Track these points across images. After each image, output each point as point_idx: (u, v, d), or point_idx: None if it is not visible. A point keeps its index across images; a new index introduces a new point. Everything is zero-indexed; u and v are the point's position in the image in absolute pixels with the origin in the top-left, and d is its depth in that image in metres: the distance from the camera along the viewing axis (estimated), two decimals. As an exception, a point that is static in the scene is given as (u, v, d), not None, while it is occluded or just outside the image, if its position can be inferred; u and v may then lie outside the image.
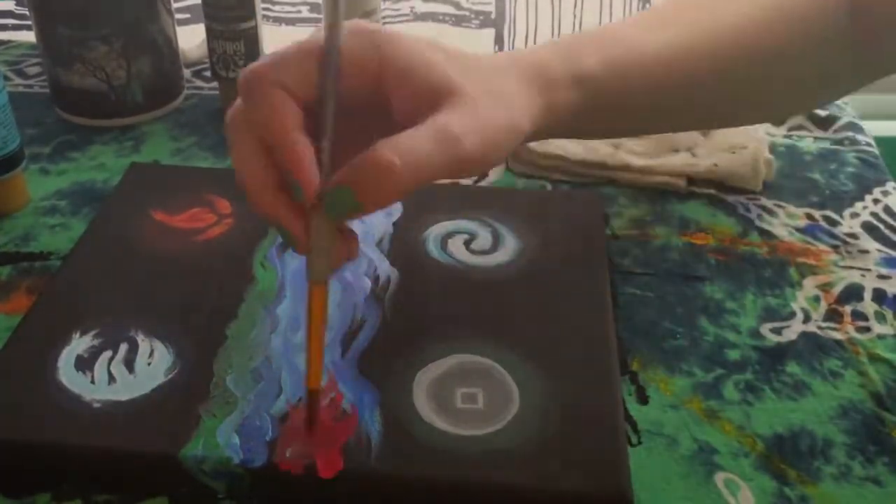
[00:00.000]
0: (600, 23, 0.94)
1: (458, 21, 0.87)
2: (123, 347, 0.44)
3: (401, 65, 0.38)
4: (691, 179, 0.60)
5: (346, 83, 0.37)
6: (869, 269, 0.53)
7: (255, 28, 0.65)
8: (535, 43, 0.94)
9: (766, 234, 0.56)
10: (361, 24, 0.38)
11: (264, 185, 0.37)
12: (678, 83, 0.48)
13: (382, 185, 0.35)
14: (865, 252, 0.55)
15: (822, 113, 0.68)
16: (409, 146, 0.35)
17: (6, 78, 0.74)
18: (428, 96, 0.38)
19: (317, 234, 0.37)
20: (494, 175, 0.62)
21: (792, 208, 0.59)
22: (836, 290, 0.52)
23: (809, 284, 0.52)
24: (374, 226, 0.52)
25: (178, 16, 0.70)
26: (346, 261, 0.39)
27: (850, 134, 0.67)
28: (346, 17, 0.64)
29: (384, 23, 0.79)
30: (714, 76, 0.49)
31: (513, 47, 0.92)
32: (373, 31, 0.38)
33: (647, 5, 0.94)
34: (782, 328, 0.49)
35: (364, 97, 0.39)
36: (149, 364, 0.43)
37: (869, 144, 0.66)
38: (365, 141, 0.37)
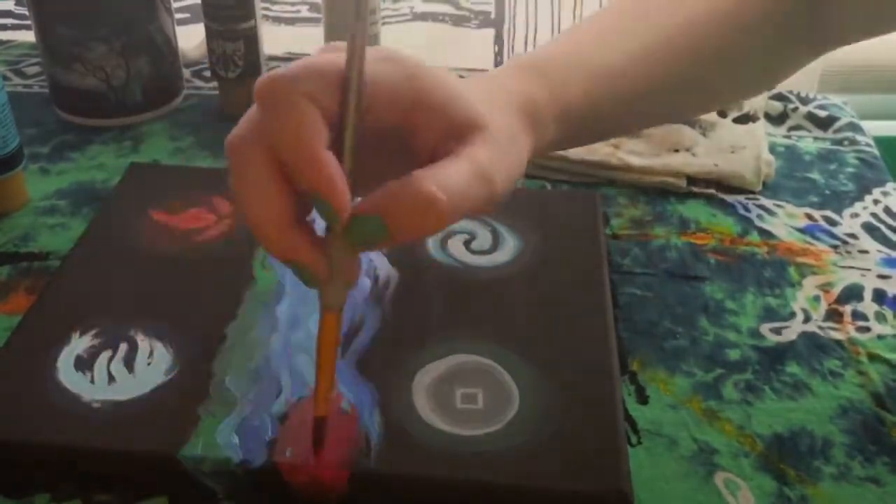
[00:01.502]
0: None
1: (458, 21, 0.87)
2: (123, 347, 0.44)
3: (436, 98, 0.36)
4: (691, 179, 0.60)
5: (377, 112, 0.34)
6: (869, 269, 0.53)
7: (255, 28, 0.65)
8: (534, 43, 0.94)
9: (766, 234, 0.56)
10: (391, 52, 0.36)
11: (283, 220, 0.33)
12: (640, 93, 0.47)
13: (423, 218, 0.32)
14: (865, 252, 0.55)
15: (821, 113, 0.68)
16: (455, 181, 0.33)
17: (6, 78, 0.74)
18: (458, 129, 0.36)
19: (333, 261, 0.34)
20: (494, 175, 0.62)
21: (792, 208, 0.59)
22: (836, 290, 0.52)
23: (809, 284, 0.52)
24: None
25: (177, 16, 0.70)
26: (355, 282, 0.36)
27: (850, 134, 0.67)
28: (346, 17, 0.64)
29: (383, 23, 0.79)
30: (683, 70, 0.48)
31: (512, 47, 0.92)
32: (404, 60, 0.36)
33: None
34: (782, 328, 0.49)
35: (389, 126, 0.36)
36: (148, 364, 0.43)
37: (869, 145, 0.66)
38: (376, 167, 0.35)
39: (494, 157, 0.36)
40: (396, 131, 0.37)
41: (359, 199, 0.34)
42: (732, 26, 0.49)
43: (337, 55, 0.34)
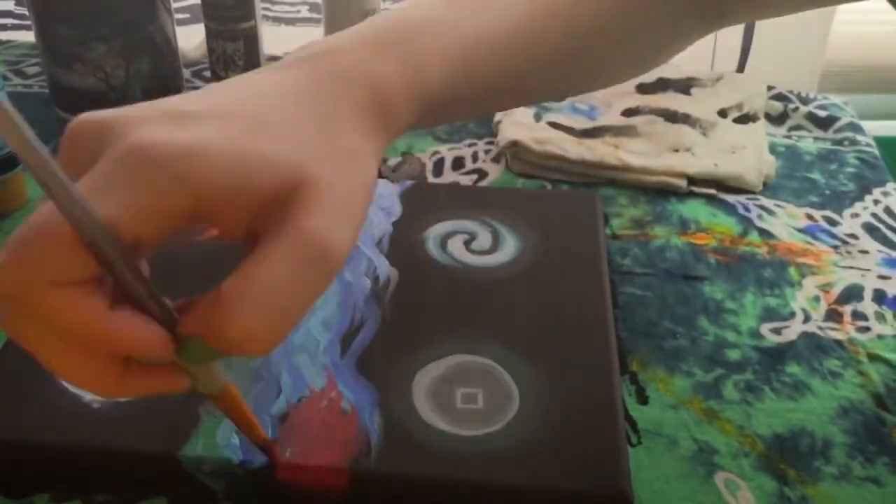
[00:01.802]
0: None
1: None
2: (123, 347, 0.44)
3: (221, 186, 0.28)
4: (691, 179, 0.60)
5: (154, 237, 0.29)
6: (869, 270, 0.53)
7: (255, 28, 0.65)
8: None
9: (766, 234, 0.56)
10: (157, 149, 0.28)
11: (116, 379, 0.29)
12: (509, 70, 0.42)
13: (245, 349, 0.28)
14: (865, 252, 0.55)
15: (822, 113, 0.68)
16: (269, 293, 0.27)
17: (6, 78, 0.74)
18: (269, 202, 0.28)
19: (192, 371, 0.31)
20: (494, 175, 0.62)
21: (792, 208, 0.59)
22: (836, 290, 0.52)
23: (809, 284, 0.52)
24: (374, 226, 0.52)
25: (177, 16, 0.70)
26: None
27: (850, 134, 0.67)
28: (345, 17, 0.64)
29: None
30: (559, 45, 0.43)
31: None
32: (170, 160, 0.27)
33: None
34: (782, 328, 0.49)
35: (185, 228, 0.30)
36: (148, 364, 0.43)
37: (869, 145, 0.66)
38: None
39: (328, 217, 0.28)
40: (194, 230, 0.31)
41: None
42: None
43: (40, 215, 0.27)
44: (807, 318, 0.49)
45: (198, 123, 0.29)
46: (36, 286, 0.26)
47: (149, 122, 0.29)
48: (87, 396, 0.41)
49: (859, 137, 0.66)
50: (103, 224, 0.26)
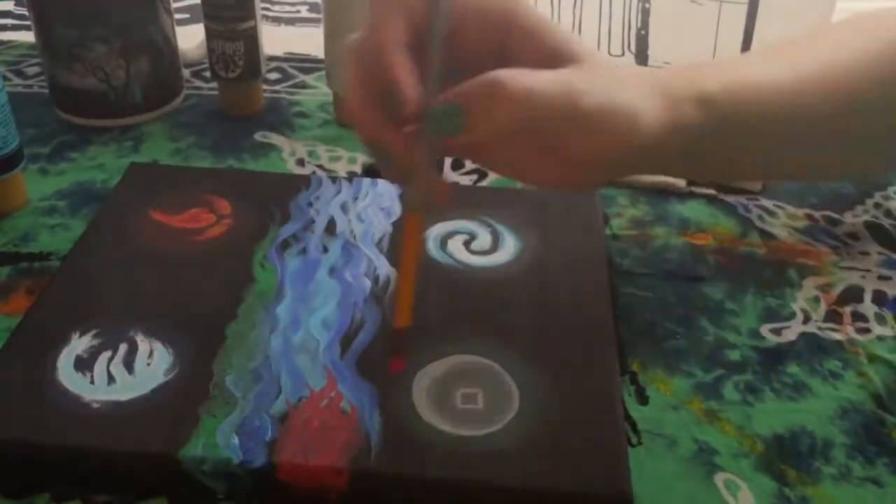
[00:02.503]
0: (600, 23, 0.94)
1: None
2: (123, 348, 0.44)
3: (527, 22, 0.38)
4: (691, 180, 0.60)
5: (471, 33, 0.37)
6: (869, 271, 0.53)
7: (255, 28, 0.65)
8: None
9: (766, 235, 0.56)
10: None
11: (367, 101, 0.37)
12: (799, 113, 0.45)
13: (498, 106, 0.34)
14: (866, 254, 0.55)
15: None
16: (532, 77, 0.35)
17: (5, 78, 0.74)
18: (553, 58, 0.38)
19: (415, 161, 0.36)
20: (494, 175, 0.62)
21: (792, 209, 0.59)
22: (836, 291, 0.52)
23: (809, 285, 0.52)
24: (373, 226, 0.52)
25: (177, 16, 0.70)
26: (444, 205, 0.39)
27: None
28: (346, 17, 0.64)
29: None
30: (833, 109, 0.46)
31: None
32: None
33: (647, 5, 0.94)
34: (782, 329, 0.49)
35: (484, 48, 0.38)
36: (148, 364, 0.43)
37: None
38: None
39: (585, 77, 0.37)
40: (492, 56, 0.38)
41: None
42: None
43: None
44: (807, 319, 0.49)
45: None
46: (383, 7, 0.37)
47: None
48: (87, 397, 0.41)
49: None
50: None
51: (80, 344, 0.44)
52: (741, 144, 0.45)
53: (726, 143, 0.44)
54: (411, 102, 0.35)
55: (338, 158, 0.64)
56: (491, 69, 0.37)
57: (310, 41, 0.81)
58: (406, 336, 0.39)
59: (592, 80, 0.37)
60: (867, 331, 0.49)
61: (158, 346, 0.44)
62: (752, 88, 0.44)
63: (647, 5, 0.93)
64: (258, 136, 0.66)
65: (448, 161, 0.63)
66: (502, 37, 0.38)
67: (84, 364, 0.43)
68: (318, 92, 0.72)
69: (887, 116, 0.47)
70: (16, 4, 0.88)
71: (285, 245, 0.51)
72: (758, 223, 0.57)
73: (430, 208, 0.38)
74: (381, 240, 0.51)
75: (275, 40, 0.79)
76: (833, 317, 0.50)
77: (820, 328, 0.49)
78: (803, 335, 0.48)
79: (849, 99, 0.46)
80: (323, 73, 0.73)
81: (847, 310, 0.50)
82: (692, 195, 0.60)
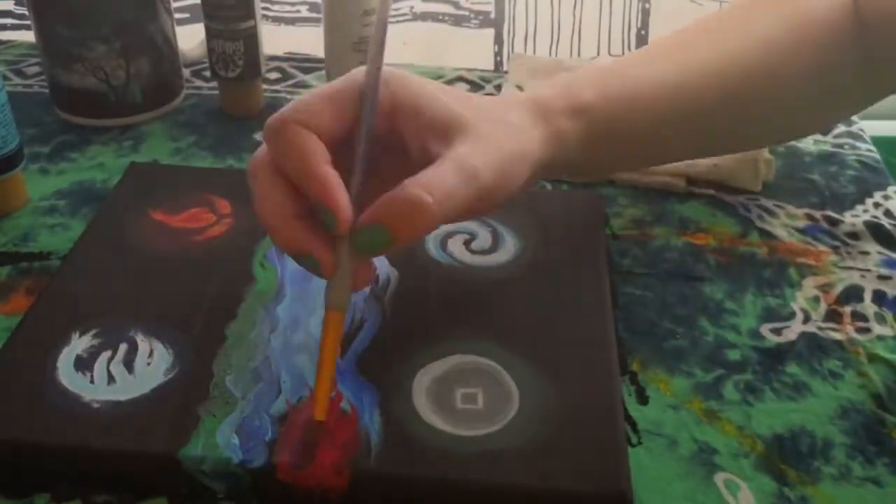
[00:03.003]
0: (599, 23, 0.94)
1: (458, 21, 0.87)
2: (123, 347, 0.44)
3: (411, 101, 0.40)
4: (691, 179, 0.60)
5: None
6: (869, 270, 0.53)
7: (255, 28, 0.65)
8: (534, 43, 0.94)
9: (766, 235, 0.56)
10: (387, 70, 0.40)
11: (286, 215, 0.38)
12: (681, 111, 0.49)
13: (416, 221, 0.37)
14: (866, 253, 0.55)
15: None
16: (437, 182, 0.37)
17: (6, 78, 0.74)
18: (439, 130, 0.40)
19: (340, 262, 0.38)
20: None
21: (792, 209, 0.59)
22: (836, 290, 0.52)
23: (809, 285, 0.52)
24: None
25: (177, 16, 0.70)
26: (366, 284, 0.40)
27: (850, 140, 0.67)
28: (345, 17, 0.64)
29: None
30: (720, 102, 0.49)
31: (512, 47, 0.92)
32: (390, 74, 0.40)
33: (647, 5, 0.94)
34: (782, 328, 0.49)
35: (379, 136, 0.40)
36: (148, 364, 0.43)
37: (870, 150, 0.66)
38: (382, 179, 0.39)
39: (479, 151, 0.39)
40: (390, 141, 0.41)
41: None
42: (784, 64, 0.50)
43: (338, 80, 0.40)
44: (806, 319, 0.49)
45: (413, 76, 0.42)
46: (292, 125, 0.38)
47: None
48: (87, 396, 0.41)
49: (859, 144, 0.66)
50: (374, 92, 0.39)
51: (80, 344, 0.44)
52: (625, 144, 0.50)
53: (609, 145, 0.48)
54: (345, 222, 0.37)
55: (338, 158, 0.64)
56: (380, 154, 0.40)
57: (310, 41, 0.81)
58: (321, 431, 0.39)
59: (483, 149, 0.40)
60: (867, 330, 0.49)
61: (158, 346, 0.44)
62: (630, 91, 0.48)
63: (647, 5, 0.93)
64: (258, 136, 0.66)
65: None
66: (388, 118, 0.40)
67: (84, 364, 0.43)
68: (318, 92, 0.72)
69: (779, 97, 0.51)
70: (16, 4, 0.88)
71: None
72: (758, 223, 0.57)
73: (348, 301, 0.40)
74: (381, 240, 0.51)
75: (275, 40, 0.79)
76: (833, 316, 0.50)
77: (820, 328, 0.49)
78: (803, 335, 0.48)
79: (735, 87, 0.50)
80: (323, 73, 0.73)
81: (847, 309, 0.50)
82: (692, 195, 0.60)
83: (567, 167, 0.49)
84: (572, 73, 0.49)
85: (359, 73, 0.40)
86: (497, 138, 0.41)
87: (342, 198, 0.37)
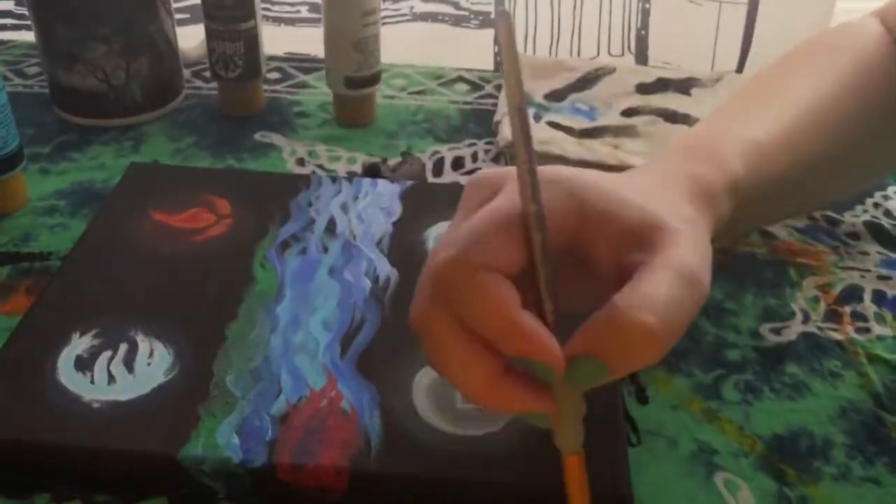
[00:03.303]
0: (599, 23, 0.94)
1: (458, 21, 0.87)
2: (123, 347, 0.44)
3: (603, 207, 0.34)
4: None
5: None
6: (869, 271, 0.53)
7: (255, 28, 0.65)
8: (534, 43, 0.94)
9: (766, 235, 0.56)
10: (554, 171, 0.34)
11: (490, 378, 0.32)
12: (797, 165, 0.46)
13: (641, 349, 0.30)
14: (865, 254, 0.55)
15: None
16: (664, 300, 0.30)
17: (6, 78, 0.74)
18: (638, 233, 0.33)
19: (562, 404, 0.32)
20: (494, 175, 0.62)
21: (792, 209, 0.59)
22: (836, 290, 0.52)
23: (809, 285, 0.52)
24: (373, 226, 0.52)
25: (177, 16, 0.70)
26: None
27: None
28: (345, 17, 0.64)
29: (383, 23, 0.79)
30: (825, 155, 0.48)
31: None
32: (568, 179, 0.34)
33: (647, 5, 0.94)
34: (782, 328, 0.49)
35: (560, 248, 0.34)
36: (148, 364, 0.43)
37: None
38: (563, 297, 0.33)
39: (695, 253, 0.33)
40: (572, 252, 0.34)
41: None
42: (865, 100, 0.49)
43: (501, 201, 0.33)
44: (806, 319, 0.49)
45: (598, 173, 0.36)
46: (477, 270, 0.31)
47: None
48: (88, 396, 0.41)
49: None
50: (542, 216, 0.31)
51: (80, 344, 0.44)
52: (761, 210, 0.47)
53: (749, 216, 0.44)
54: (560, 370, 0.31)
55: (338, 158, 0.64)
56: (576, 269, 0.34)
57: (310, 41, 0.81)
58: None
59: (696, 251, 0.33)
60: (867, 330, 0.49)
61: (159, 346, 0.44)
62: (762, 156, 0.43)
63: (647, 5, 0.93)
64: (258, 136, 0.66)
65: (449, 159, 0.63)
66: (576, 233, 0.34)
67: (84, 364, 0.43)
68: (318, 92, 0.73)
69: (878, 131, 0.50)
70: (16, 4, 0.88)
71: (285, 245, 0.51)
72: (758, 223, 0.57)
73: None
74: (381, 240, 0.51)
75: (275, 40, 0.79)
76: (833, 316, 0.50)
77: (819, 328, 0.49)
78: (803, 335, 0.48)
79: (838, 131, 0.47)
80: (323, 72, 0.73)
81: (847, 309, 0.50)
82: (692, 195, 0.60)
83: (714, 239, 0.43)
84: (698, 133, 0.44)
85: (515, 185, 0.33)
86: (696, 237, 0.34)
87: (553, 347, 0.31)
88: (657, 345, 0.30)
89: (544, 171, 0.33)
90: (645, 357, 0.30)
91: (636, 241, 0.33)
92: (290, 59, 0.78)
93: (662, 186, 0.38)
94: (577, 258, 0.34)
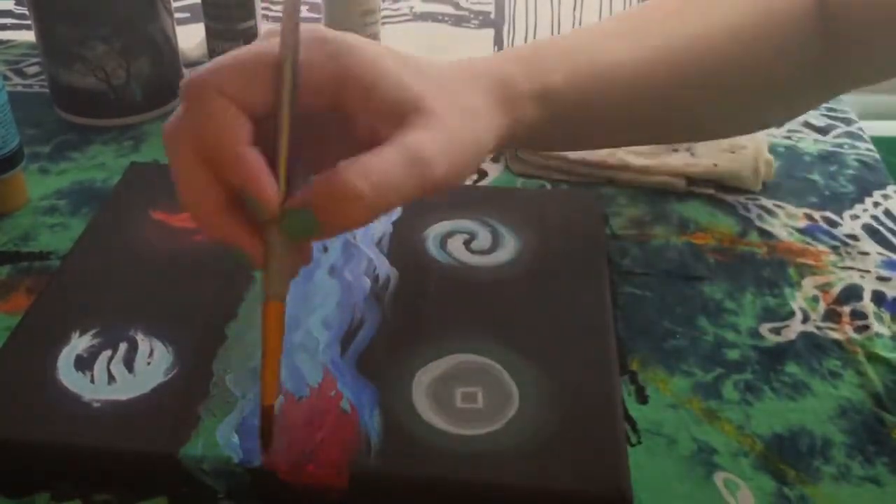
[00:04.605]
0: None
1: (458, 21, 0.87)
2: (123, 347, 0.44)
3: (364, 79, 0.35)
4: (691, 179, 0.60)
5: (302, 97, 0.34)
6: (868, 271, 0.53)
7: (255, 28, 0.65)
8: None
9: (766, 235, 0.56)
10: (319, 30, 0.36)
11: (213, 205, 0.34)
12: (642, 96, 0.47)
13: (350, 211, 0.33)
14: (865, 254, 0.55)
15: (819, 124, 0.68)
16: (380, 170, 0.33)
17: (6, 77, 0.74)
18: (393, 110, 0.36)
19: (273, 250, 0.35)
20: (494, 175, 0.62)
21: (791, 209, 0.59)
22: (835, 290, 0.52)
23: (808, 285, 0.52)
24: (373, 225, 0.52)
25: (177, 15, 0.70)
26: (301, 267, 0.37)
27: (849, 140, 0.67)
28: (345, 17, 0.64)
29: (383, 23, 0.79)
30: (677, 89, 0.48)
31: (512, 47, 0.92)
32: (330, 41, 0.35)
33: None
34: (781, 328, 0.49)
35: (320, 110, 0.36)
36: (148, 364, 0.43)
37: (870, 149, 0.66)
38: (321, 153, 0.35)
39: (434, 140, 0.35)
40: (331, 116, 0.37)
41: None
42: (747, 50, 0.49)
43: (266, 43, 0.35)
44: (806, 318, 0.49)
45: (368, 43, 0.37)
46: (208, 93, 0.33)
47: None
48: (88, 396, 0.41)
49: (859, 144, 0.66)
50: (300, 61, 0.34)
51: (80, 343, 0.44)
52: (585, 128, 0.48)
53: (571, 128, 0.46)
54: (272, 209, 0.33)
55: (338, 158, 0.64)
56: (321, 128, 0.36)
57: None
58: (272, 415, 0.37)
59: (438, 137, 0.35)
60: (866, 329, 0.49)
61: (158, 346, 0.44)
62: (595, 75, 0.45)
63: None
64: (258, 136, 0.66)
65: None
66: (335, 97, 0.36)
67: (84, 363, 0.43)
68: (317, 92, 0.72)
69: (741, 86, 0.50)
70: (16, 4, 0.88)
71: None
72: (757, 223, 0.57)
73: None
74: (380, 239, 0.51)
75: (275, 40, 0.79)
76: (832, 316, 0.50)
77: (819, 328, 0.49)
78: (803, 334, 0.48)
79: (693, 73, 0.48)
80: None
81: (846, 309, 0.50)
82: (692, 195, 0.60)
83: (519, 146, 0.48)
84: (538, 44, 0.45)
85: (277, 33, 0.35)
86: (454, 126, 0.37)
87: (268, 182, 0.33)
88: (364, 209, 0.33)
89: (311, 27, 0.35)
90: (351, 218, 0.33)
91: (390, 117, 0.36)
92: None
93: (459, 77, 0.40)
94: (341, 121, 0.37)
